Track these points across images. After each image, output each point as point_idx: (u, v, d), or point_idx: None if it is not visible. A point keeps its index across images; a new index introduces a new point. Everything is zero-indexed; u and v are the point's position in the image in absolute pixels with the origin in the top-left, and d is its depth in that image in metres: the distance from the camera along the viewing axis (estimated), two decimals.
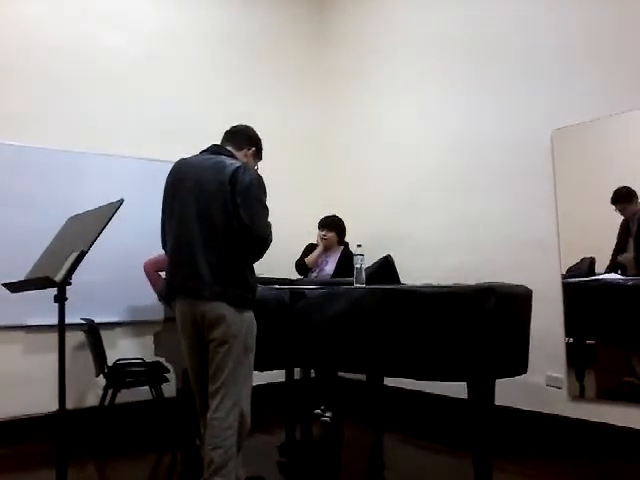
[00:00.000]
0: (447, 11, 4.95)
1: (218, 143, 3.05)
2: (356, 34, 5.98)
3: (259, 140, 3.18)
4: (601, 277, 3.75)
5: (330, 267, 4.95)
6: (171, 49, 5.39)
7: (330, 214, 5.12)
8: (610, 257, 3.72)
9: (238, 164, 2.84)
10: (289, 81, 6.14)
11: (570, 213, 3.95)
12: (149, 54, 5.25)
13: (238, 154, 3.02)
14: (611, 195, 3.70)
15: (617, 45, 3.75)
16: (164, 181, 2.98)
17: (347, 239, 5.09)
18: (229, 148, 3.01)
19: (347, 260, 4.82)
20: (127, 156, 4.93)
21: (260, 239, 2.80)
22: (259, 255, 2.86)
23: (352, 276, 3.29)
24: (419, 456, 4.09)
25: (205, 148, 3.01)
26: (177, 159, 3.00)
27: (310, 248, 5.09)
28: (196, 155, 2.98)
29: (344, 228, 5.10)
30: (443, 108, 4.96)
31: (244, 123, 3.19)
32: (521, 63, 4.32)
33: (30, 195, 4.49)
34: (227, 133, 3.12)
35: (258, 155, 3.18)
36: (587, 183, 3.90)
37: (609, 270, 3.72)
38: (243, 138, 3.11)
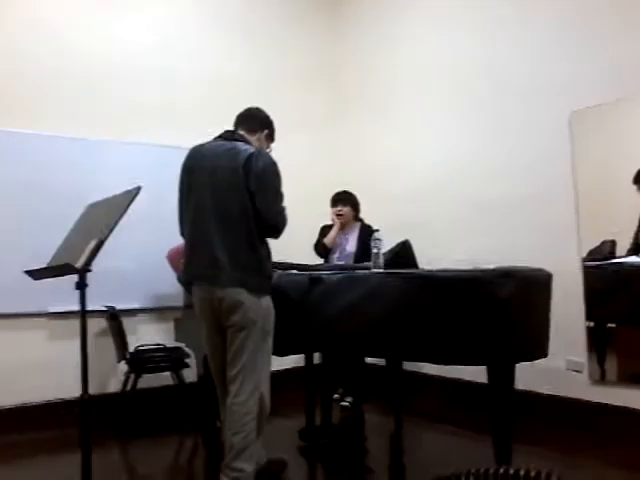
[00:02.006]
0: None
1: (231, 129, 3.05)
2: (369, 10, 5.92)
3: (271, 122, 3.18)
4: (622, 260, 3.71)
5: (351, 245, 4.75)
6: (186, 35, 5.39)
7: (341, 190, 4.91)
8: (631, 240, 3.67)
9: (252, 150, 2.85)
10: (306, 65, 6.10)
11: (590, 196, 3.91)
12: (164, 41, 5.25)
13: (251, 138, 3.03)
14: (633, 176, 3.64)
15: (635, 25, 3.68)
16: (180, 167, 3.00)
17: (368, 225, 4.89)
18: (242, 132, 3.02)
19: (368, 236, 4.71)
20: (144, 143, 4.94)
21: (273, 226, 2.85)
22: (275, 237, 2.90)
23: None
24: (439, 440, 4.10)
25: (219, 134, 3.02)
26: (192, 145, 3.01)
27: (325, 229, 4.86)
28: (210, 141, 2.99)
29: (358, 202, 4.88)
30: (460, 93, 4.91)
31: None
32: (538, 45, 4.26)
33: (49, 184, 4.53)
34: (239, 117, 3.13)
35: (271, 137, 3.19)
36: (606, 165, 3.85)
37: (630, 253, 3.68)
38: (256, 121, 3.12)
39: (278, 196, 2.87)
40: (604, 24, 3.86)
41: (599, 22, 3.89)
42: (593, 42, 3.92)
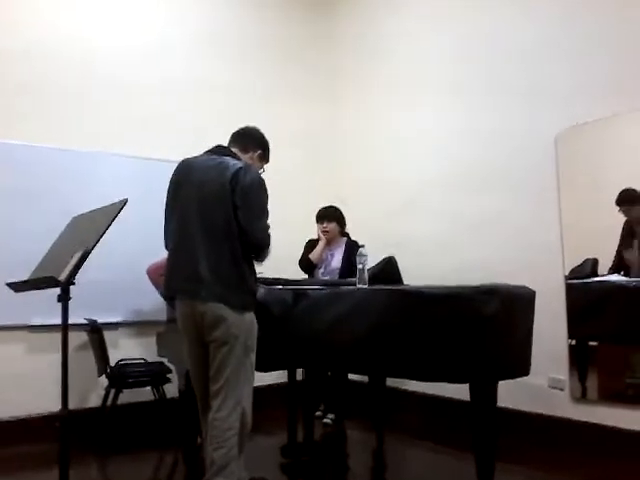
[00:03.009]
0: (451, 15, 4.94)
1: (223, 144, 3.05)
2: (360, 33, 5.98)
3: (266, 143, 3.16)
4: (604, 278, 3.75)
5: (337, 261, 4.76)
6: (176, 47, 5.38)
7: (327, 205, 4.91)
8: (613, 258, 3.71)
9: (240, 165, 2.85)
10: (294, 80, 6.10)
11: (574, 214, 3.95)
12: (153, 52, 5.25)
13: (244, 156, 3.02)
14: (615, 197, 3.69)
15: (621, 46, 3.75)
16: (168, 181, 2.99)
17: (354, 241, 4.90)
18: (234, 150, 3.01)
19: (353, 251, 4.71)
20: (131, 156, 4.92)
21: (255, 243, 2.83)
22: (259, 257, 2.88)
23: None
24: (421, 457, 4.09)
25: (209, 149, 3.01)
26: (181, 159, 3.01)
27: (311, 244, 4.86)
28: (200, 155, 2.99)
29: (344, 217, 4.89)
30: (446, 109, 4.95)
31: (251, 124, 3.18)
32: (525, 64, 4.32)
33: (34, 194, 4.49)
34: (234, 134, 3.12)
35: (265, 157, 3.17)
36: (591, 184, 3.89)
37: (612, 271, 3.72)
38: (249, 140, 3.10)
39: (263, 213, 2.85)
40: (591, 44, 3.92)
41: (585, 43, 3.95)
42: (578, 63, 3.97)
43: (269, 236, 2.87)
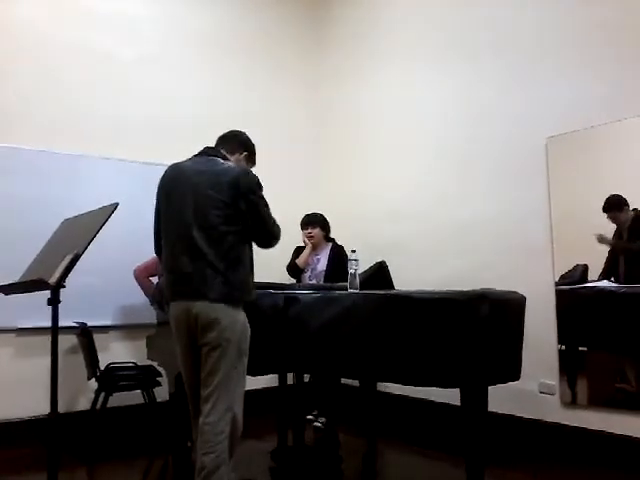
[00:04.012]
0: (444, 13, 4.96)
1: (211, 146, 3.06)
2: (351, 33, 5.99)
3: (251, 145, 3.20)
4: (594, 284, 3.76)
5: (322, 264, 4.88)
6: (170, 53, 5.39)
7: (310, 212, 5.05)
8: (603, 264, 3.73)
9: (234, 167, 2.88)
10: (285, 82, 6.14)
11: (564, 220, 3.97)
12: (148, 57, 5.24)
13: (231, 157, 3.04)
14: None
15: (613, 53, 3.77)
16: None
17: (339, 245, 5.02)
18: (222, 151, 3.03)
19: (338, 255, 4.79)
20: (122, 159, 4.91)
21: (273, 237, 2.96)
22: (271, 246, 3.01)
23: (346, 271, 3.29)
24: (412, 462, 4.08)
25: (198, 152, 3.01)
26: (172, 162, 3.00)
27: (299, 250, 5.00)
28: (189, 159, 2.98)
29: (328, 222, 5.03)
30: (437, 114, 4.97)
31: (238, 127, 3.21)
32: (516, 69, 4.34)
33: (24, 197, 4.48)
34: (220, 137, 3.14)
35: (251, 160, 3.20)
36: (581, 190, 3.91)
37: (602, 277, 3.74)
38: (235, 143, 3.13)
39: (268, 209, 2.93)
40: (581, 52, 3.94)
41: (576, 50, 3.97)
42: (569, 69, 4.00)
43: (278, 227, 2.98)
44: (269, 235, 2.94)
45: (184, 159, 2.98)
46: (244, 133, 3.21)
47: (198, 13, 5.64)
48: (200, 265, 2.73)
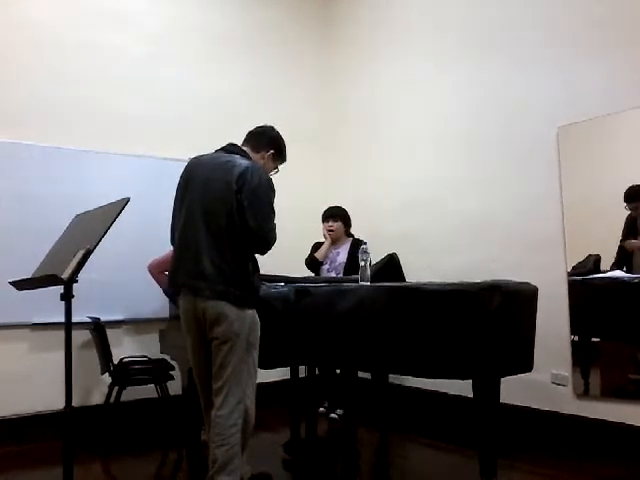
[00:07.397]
0: (459, 7, 4.92)
1: (235, 142, 3.04)
2: (359, 29, 5.97)
3: (280, 143, 3.16)
4: (606, 275, 3.74)
5: (342, 257, 4.77)
6: (174, 48, 5.38)
7: (333, 205, 4.98)
8: (615, 254, 3.71)
9: (247, 164, 2.84)
10: (293, 78, 6.13)
11: (576, 211, 3.94)
12: (153, 53, 5.24)
13: (255, 156, 3.02)
14: (617, 193, 3.68)
15: (625, 41, 3.73)
16: (170, 180, 3.00)
17: (361, 240, 4.94)
18: (245, 148, 3.02)
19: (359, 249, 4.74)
20: (134, 154, 4.92)
21: (264, 242, 2.84)
22: (263, 253, 2.90)
23: None
24: (425, 454, 4.09)
25: (221, 147, 3.01)
26: (183, 157, 3.01)
27: (317, 246, 4.92)
28: (210, 153, 2.99)
29: (349, 217, 4.94)
30: (448, 106, 4.94)
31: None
32: (526, 59, 4.30)
33: (36, 194, 4.50)
34: (248, 133, 3.12)
35: (279, 158, 3.17)
36: (593, 180, 3.89)
37: (614, 267, 3.71)
38: (263, 140, 3.09)
39: (271, 212, 2.87)
40: (593, 40, 3.90)
41: (588, 38, 3.93)
42: (581, 58, 3.96)
43: (275, 234, 2.89)
44: (263, 237, 2.82)
45: (198, 153, 2.98)
46: (273, 129, 3.17)
47: (211, 12, 5.63)
48: (205, 263, 2.73)
